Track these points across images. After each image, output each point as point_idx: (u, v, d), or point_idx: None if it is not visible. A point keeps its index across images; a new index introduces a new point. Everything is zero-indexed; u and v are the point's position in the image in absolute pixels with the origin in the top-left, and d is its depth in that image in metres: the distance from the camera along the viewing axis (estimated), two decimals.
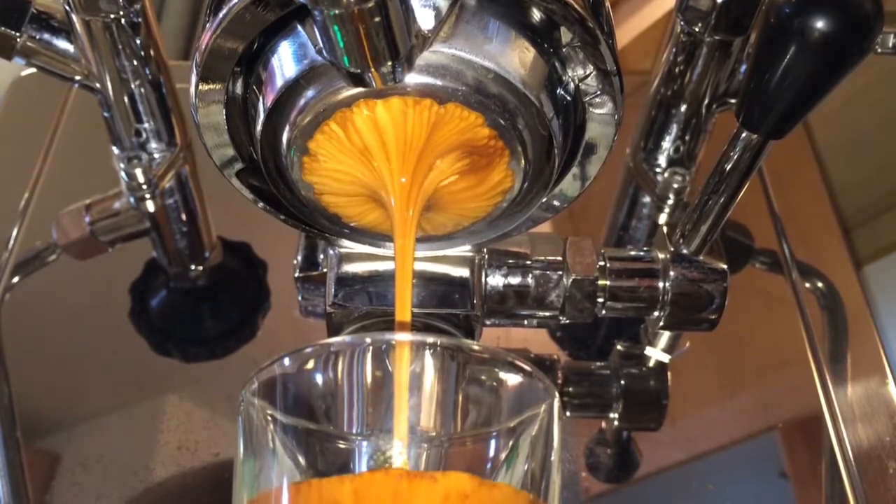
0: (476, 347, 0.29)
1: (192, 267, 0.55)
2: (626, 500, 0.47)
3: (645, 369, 0.47)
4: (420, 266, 0.37)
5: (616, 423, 0.47)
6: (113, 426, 0.48)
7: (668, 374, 0.47)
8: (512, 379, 0.29)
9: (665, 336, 0.46)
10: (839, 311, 0.53)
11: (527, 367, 0.29)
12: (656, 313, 0.40)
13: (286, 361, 0.29)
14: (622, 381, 0.47)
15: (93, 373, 0.50)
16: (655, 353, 0.44)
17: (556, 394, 0.30)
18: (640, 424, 0.47)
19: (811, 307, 0.52)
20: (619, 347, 0.48)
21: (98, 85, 0.51)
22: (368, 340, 0.29)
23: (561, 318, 0.40)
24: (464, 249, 0.37)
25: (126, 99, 0.51)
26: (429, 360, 0.29)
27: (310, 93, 0.29)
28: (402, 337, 0.29)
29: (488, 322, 0.40)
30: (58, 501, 0.45)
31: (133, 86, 0.51)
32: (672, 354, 0.46)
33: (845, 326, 0.53)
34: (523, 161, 0.31)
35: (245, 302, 0.54)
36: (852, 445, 0.46)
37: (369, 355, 0.29)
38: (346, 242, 0.37)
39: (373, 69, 0.27)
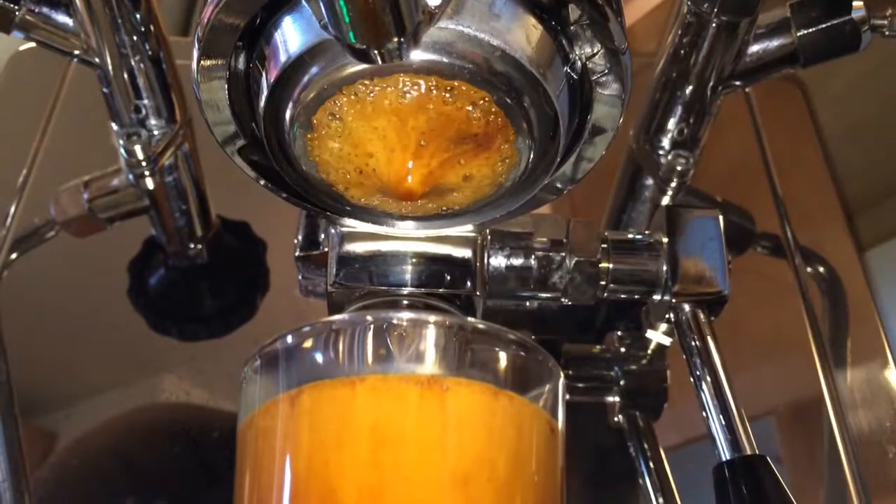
0: (481, 326, 0.29)
1: (191, 245, 0.55)
2: (624, 481, 0.47)
3: (646, 352, 0.47)
4: (422, 246, 0.37)
5: (616, 405, 0.47)
6: (111, 403, 0.48)
7: (668, 357, 0.47)
8: (517, 358, 0.29)
9: (665, 318, 0.46)
10: (841, 295, 0.53)
11: (533, 347, 0.29)
12: (657, 296, 0.40)
13: (288, 339, 0.28)
14: (623, 364, 0.47)
15: (91, 350, 0.50)
16: (656, 336, 0.44)
17: (562, 374, 0.30)
18: (641, 408, 0.47)
19: (813, 292, 0.52)
20: (619, 331, 0.48)
21: (97, 60, 0.50)
22: (370, 319, 0.29)
23: (563, 299, 0.40)
24: (466, 230, 0.37)
25: (125, 74, 0.51)
26: (430, 339, 0.28)
27: (314, 69, 0.29)
28: (403, 315, 0.28)
29: (489, 303, 0.40)
30: (55, 478, 0.45)
31: (133, 61, 0.50)
32: (673, 337, 0.46)
33: (847, 311, 0.53)
34: (528, 140, 0.31)
35: (244, 281, 0.54)
36: (853, 430, 0.47)
37: (370, 333, 0.28)
38: (347, 221, 0.37)
39: (378, 45, 0.26)
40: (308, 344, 0.29)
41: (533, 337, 0.48)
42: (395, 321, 0.29)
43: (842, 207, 0.57)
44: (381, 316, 0.29)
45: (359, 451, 0.26)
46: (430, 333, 0.28)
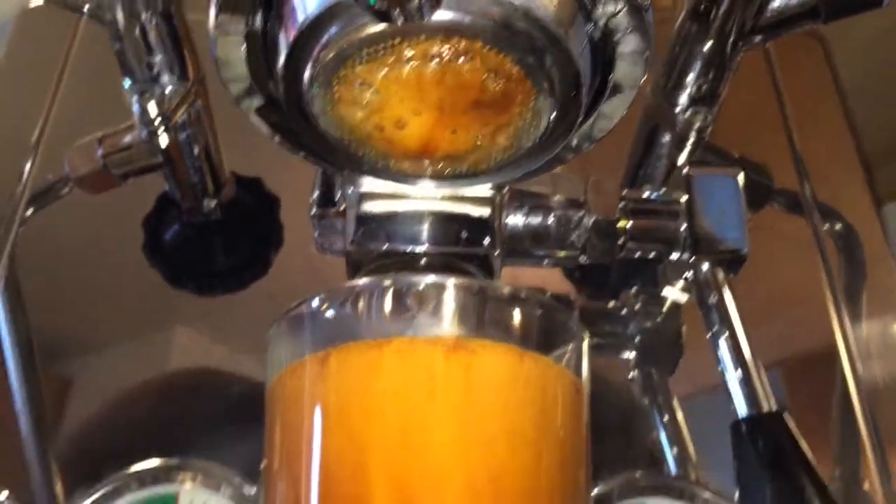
0: (506, 288, 0.29)
1: (205, 201, 0.54)
2: (636, 430, 0.47)
3: (661, 309, 0.47)
4: (440, 205, 0.37)
5: (631, 362, 0.47)
6: (127, 356, 0.49)
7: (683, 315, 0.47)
8: (541, 319, 0.29)
9: (682, 276, 0.46)
10: (857, 250, 0.53)
11: (556, 307, 0.29)
12: (676, 255, 0.40)
13: (315, 302, 0.29)
14: (638, 321, 0.47)
15: (108, 305, 0.50)
16: (673, 294, 0.44)
17: (586, 333, 0.30)
18: (656, 364, 0.48)
19: (830, 247, 0.52)
20: (635, 288, 0.48)
21: (108, 16, 0.49)
22: (395, 282, 0.29)
23: (581, 258, 0.40)
24: (484, 189, 0.37)
25: (137, 31, 0.50)
26: (456, 302, 0.28)
27: (333, 28, 0.29)
28: (428, 278, 0.28)
29: (507, 261, 0.40)
30: (76, 430, 0.46)
31: (144, 17, 0.50)
32: (690, 295, 0.46)
33: (863, 265, 0.53)
34: (550, 100, 0.30)
35: (259, 236, 0.54)
36: (866, 382, 0.47)
37: (396, 297, 0.29)
38: (366, 180, 0.37)
39: (399, 5, 0.26)
40: (335, 307, 0.29)
41: (548, 294, 0.48)
42: (420, 284, 0.29)
43: (860, 161, 0.56)
44: (406, 279, 0.29)
45: (385, 414, 0.26)
46: (455, 296, 0.28)
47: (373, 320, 0.29)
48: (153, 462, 0.43)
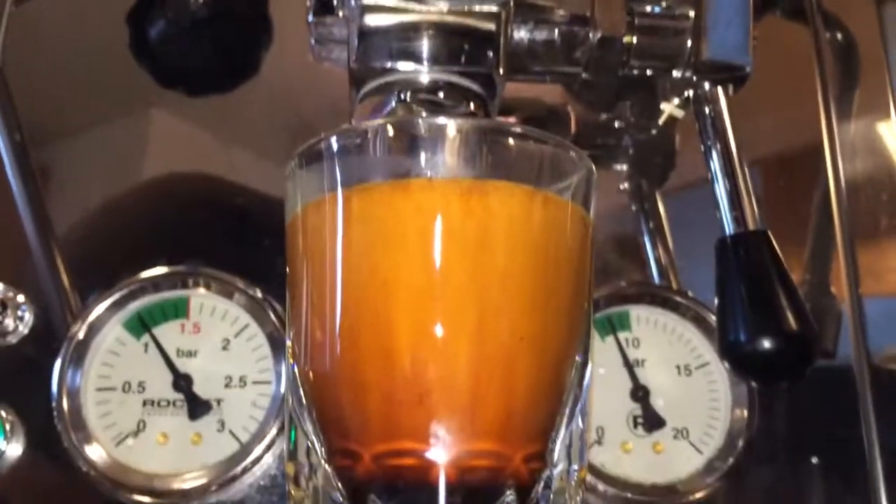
0: (517, 128, 0.29)
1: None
2: (624, 241, 0.49)
3: (656, 122, 0.48)
4: (445, 19, 0.36)
5: (624, 173, 0.48)
6: (117, 151, 0.49)
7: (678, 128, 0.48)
8: (552, 156, 0.30)
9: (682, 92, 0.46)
10: (855, 60, 0.53)
11: (566, 144, 0.30)
12: (678, 73, 0.40)
13: (333, 141, 0.29)
14: (632, 133, 0.47)
15: (98, 102, 0.50)
16: (670, 109, 0.44)
17: (594, 168, 0.30)
18: (647, 175, 0.49)
19: (828, 55, 0.51)
20: (631, 100, 0.48)
21: None
22: (410, 124, 0.29)
23: (584, 74, 0.39)
24: (489, 6, 0.36)
25: None
26: (464, 142, 0.29)
27: None
28: (438, 121, 0.29)
29: (510, 78, 0.39)
30: (81, 233, 0.47)
31: None
32: (686, 110, 0.46)
33: (858, 74, 0.52)
34: None
35: (248, 35, 0.53)
36: (848, 180, 0.48)
37: (414, 138, 0.29)
38: None
39: None
40: (351, 147, 0.29)
41: (546, 105, 0.48)
42: (432, 124, 0.29)
43: None
44: (419, 120, 0.29)
45: (407, 254, 0.28)
46: (468, 137, 0.29)
47: (389, 161, 0.29)
48: (164, 269, 0.44)
